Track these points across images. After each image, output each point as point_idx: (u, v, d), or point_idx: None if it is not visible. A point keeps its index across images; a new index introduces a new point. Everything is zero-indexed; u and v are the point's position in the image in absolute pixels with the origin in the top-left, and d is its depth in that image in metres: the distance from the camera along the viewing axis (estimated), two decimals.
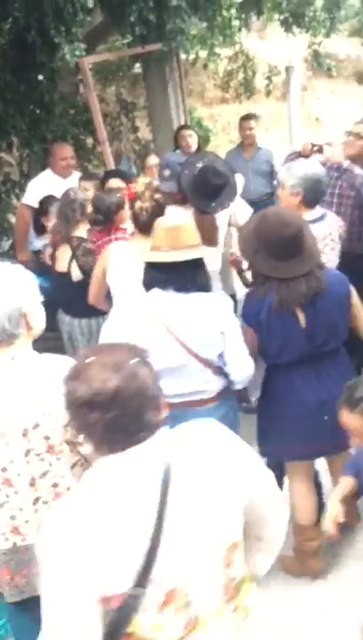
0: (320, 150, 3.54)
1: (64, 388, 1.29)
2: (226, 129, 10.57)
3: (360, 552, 2.89)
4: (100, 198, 3.70)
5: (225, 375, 2.49)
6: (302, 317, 2.47)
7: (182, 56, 6.72)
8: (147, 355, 1.37)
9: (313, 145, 3.59)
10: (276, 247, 2.42)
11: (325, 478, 2.97)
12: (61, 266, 3.76)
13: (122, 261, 3.12)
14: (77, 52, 4.70)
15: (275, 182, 4.89)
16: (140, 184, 3.30)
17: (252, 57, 8.96)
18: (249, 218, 2.68)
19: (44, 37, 4.65)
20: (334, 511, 2.10)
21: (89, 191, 4.24)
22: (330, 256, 3.04)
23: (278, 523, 1.52)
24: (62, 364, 1.66)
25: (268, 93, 8.80)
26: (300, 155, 3.70)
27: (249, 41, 9.73)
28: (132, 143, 8.01)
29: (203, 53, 7.77)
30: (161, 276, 2.39)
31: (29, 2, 4.38)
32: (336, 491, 2.17)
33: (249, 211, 3.74)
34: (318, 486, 2.89)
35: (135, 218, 3.21)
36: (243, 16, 7.13)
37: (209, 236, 3.27)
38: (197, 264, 2.41)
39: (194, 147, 5.33)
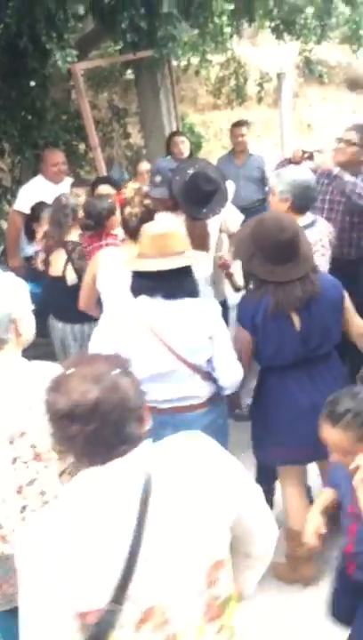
0: (311, 157, 3.55)
1: (45, 400, 1.27)
2: (218, 135, 10.60)
3: None
4: (92, 204, 3.71)
5: (214, 381, 2.50)
6: (296, 321, 2.49)
7: (174, 62, 6.74)
8: (129, 365, 1.34)
9: (304, 152, 3.60)
10: (273, 251, 2.44)
11: (316, 481, 2.98)
12: (56, 270, 3.75)
13: (112, 267, 3.12)
14: (69, 59, 4.71)
15: (266, 189, 4.91)
16: (129, 190, 3.31)
17: (243, 63, 9.00)
18: (243, 223, 2.69)
19: (35, 44, 4.66)
20: (315, 522, 2.08)
21: (81, 197, 4.25)
22: (321, 262, 3.05)
23: (266, 539, 1.49)
24: (50, 371, 1.65)
25: (259, 100, 8.84)
26: (290, 161, 3.71)
27: (241, 48, 9.78)
28: (123, 149, 8.02)
29: (195, 60, 7.81)
30: (148, 283, 2.40)
31: (21, 8, 4.38)
32: (317, 502, 2.15)
33: (240, 217, 3.75)
34: (307, 490, 2.90)
35: (125, 223, 3.22)
36: (234, 23, 7.16)
37: (200, 242, 3.28)
38: (185, 270, 2.41)
39: (186, 153, 5.35)
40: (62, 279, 3.70)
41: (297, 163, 3.50)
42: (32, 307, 1.95)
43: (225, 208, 3.46)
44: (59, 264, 3.73)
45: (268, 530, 1.49)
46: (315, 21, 7.50)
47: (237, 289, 3.73)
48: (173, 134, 5.68)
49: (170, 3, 5.00)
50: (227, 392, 2.57)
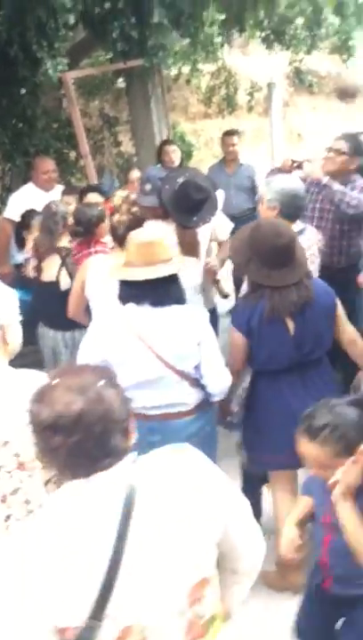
0: (300, 166, 3.58)
1: (29, 411, 1.25)
2: (209, 144, 10.64)
3: None
4: (82, 211, 3.71)
5: (202, 387, 2.50)
6: (291, 325, 2.52)
7: (165, 71, 6.78)
8: (115, 377, 1.32)
9: (293, 161, 3.62)
10: (269, 256, 2.47)
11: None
12: (49, 275, 3.74)
13: (100, 275, 3.13)
14: (60, 67, 4.73)
15: (256, 197, 4.93)
16: (117, 197, 3.32)
17: (234, 73, 9.07)
18: (233, 232, 2.71)
19: (26, 52, 4.67)
20: (290, 534, 2.04)
21: (71, 205, 4.24)
22: (310, 269, 3.06)
23: (253, 555, 1.46)
24: (37, 380, 1.64)
25: (250, 109, 8.90)
26: (280, 170, 3.73)
27: (231, 57, 9.84)
28: (114, 157, 8.04)
29: (186, 69, 7.85)
30: (135, 291, 2.40)
31: (12, 17, 4.39)
32: (292, 513, 2.11)
33: (230, 225, 3.77)
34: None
35: (113, 231, 3.23)
36: (225, 33, 7.22)
37: (190, 251, 3.29)
38: (171, 278, 2.42)
39: (176, 162, 5.36)
40: (55, 284, 3.69)
41: (287, 172, 3.52)
42: (21, 315, 1.94)
43: (215, 216, 3.47)
44: (52, 269, 3.73)
45: (255, 545, 1.46)
46: (305, 32, 7.58)
47: (224, 295, 3.74)
48: (164, 143, 5.69)
49: (160, 12, 5.03)
50: (215, 399, 2.57)
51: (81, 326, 3.50)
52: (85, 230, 3.65)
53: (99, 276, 3.16)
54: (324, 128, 10.38)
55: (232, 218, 3.98)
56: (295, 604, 2.72)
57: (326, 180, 3.50)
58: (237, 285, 4.80)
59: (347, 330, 2.72)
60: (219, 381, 2.49)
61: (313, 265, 3.16)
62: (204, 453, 2.51)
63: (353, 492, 1.75)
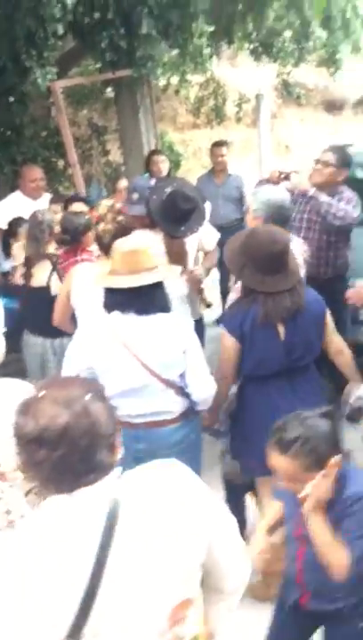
0: (287, 177, 3.60)
1: (14, 423, 1.23)
2: (197, 154, 10.70)
3: None
4: (69, 219, 3.71)
5: (187, 396, 2.50)
6: (282, 331, 2.54)
7: (154, 81, 6.80)
8: (103, 390, 1.30)
9: (281, 172, 3.64)
10: (264, 262, 2.49)
11: None
12: (39, 281, 3.72)
13: (86, 283, 3.13)
14: (49, 76, 4.73)
15: (244, 208, 4.95)
16: (103, 206, 3.33)
17: (223, 84, 9.12)
18: (233, 236, 2.76)
19: (15, 61, 4.68)
20: (260, 545, 1.98)
21: (58, 214, 4.24)
22: None
23: (239, 574, 1.43)
24: (18, 389, 1.61)
25: (238, 120, 8.95)
26: (268, 182, 3.75)
27: (220, 68, 9.92)
28: (102, 166, 8.04)
29: (175, 79, 7.89)
30: (120, 299, 2.41)
31: (0, 25, 4.40)
32: (262, 522, 2.07)
33: (216, 235, 3.78)
34: None
35: (98, 240, 3.24)
36: (214, 44, 7.27)
37: (178, 260, 3.29)
38: (156, 286, 2.43)
39: (165, 172, 5.38)
40: (45, 289, 3.66)
41: (275, 183, 3.54)
42: (6, 323, 1.92)
43: (202, 226, 3.47)
44: (42, 275, 3.71)
45: (241, 564, 1.43)
46: (293, 44, 7.65)
47: (207, 305, 3.74)
48: (153, 153, 5.71)
49: (149, 23, 5.06)
50: (200, 407, 2.57)
51: (70, 334, 3.49)
52: (72, 238, 3.65)
53: (84, 284, 3.16)
54: (311, 140, 10.48)
55: (220, 228, 3.99)
56: None
57: (312, 191, 3.53)
58: (224, 294, 4.83)
59: (334, 340, 2.74)
60: (204, 390, 2.49)
61: None
62: (188, 462, 2.50)
63: (324, 506, 1.73)
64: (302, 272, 3.20)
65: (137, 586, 1.19)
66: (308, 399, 2.53)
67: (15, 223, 4.42)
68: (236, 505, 2.86)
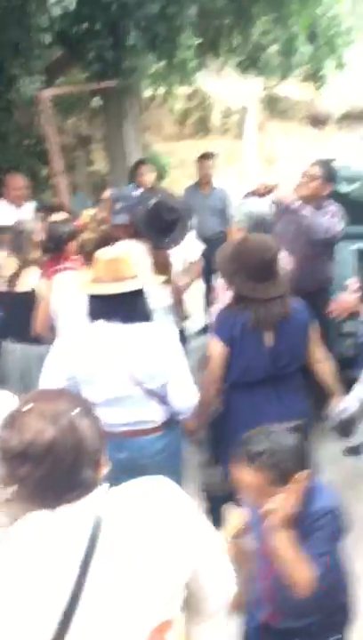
0: (272, 191, 3.61)
1: None
2: (182, 164, 10.73)
3: None
4: (54, 227, 3.70)
5: (169, 405, 2.50)
6: (269, 338, 2.57)
7: (140, 92, 6.83)
8: (90, 405, 1.27)
9: (266, 185, 3.66)
10: (256, 269, 2.54)
11: None
12: (24, 286, 3.69)
13: (67, 292, 3.11)
14: (36, 85, 4.72)
15: (228, 220, 4.97)
16: (85, 216, 3.32)
17: (209, 96, 9.18)
18: (224, 244, 2.79)
19: (1, 70, 4.66)
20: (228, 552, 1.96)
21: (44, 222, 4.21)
22: None
23: (221, 596, 1.38)
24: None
25: (224, 132, 9.01)
26: (254, 194, 3.76)
27: (206, 81, 10.00)
28: (87, 176, 8.03)
29: (161, 90, 7.92)
30: (105, 307, 2.41)
31: None
32: (225, 530, 1.99)
33: (200, 247, 3.79)
34: None
35: (81, 249, 3.23)
36: (200, 57, 7.32)
37: (163, 271, 3.28)
38: (139, 294, 2.45)
39: (150, 182, 5.37)
40: (30, 294, 3.62)
41: (261, 195, 3.56)
42: None
43: (187, 238, 3.48)
44: (29, 280, 3.68)
45: (225, 586, 1.39)
46: (278, 59, 7.73)
47: (184, 317, 3.74)
48: (139, 163, 5.71)
49: (136, 35, 5.08)
50: (182, 417, 2.57)
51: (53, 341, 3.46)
52: (55, 247, 3.62)
53: (65, 292, 3.14)
54: (296, 153, 10.57)
55: (205, 240, 4.00)
56: None
57: (296, 204, 3.54)
58: (209, 306, 4.82)
59: (317, 349, 2.78)
60: (186, 399, 2.49)
61: None
62: (169, 471, 2.49)
63: (289, 522, 1.70)
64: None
65: (117, 605, 1.16)
66: (293, 407, 2.61)
67: None
68: (215, 516, 2.83)
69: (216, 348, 2.60)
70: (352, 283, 2.94)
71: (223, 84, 11.35)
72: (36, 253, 3.74)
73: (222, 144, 10.44)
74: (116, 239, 3.36)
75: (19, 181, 4.95)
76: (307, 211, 3.53)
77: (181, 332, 3.62)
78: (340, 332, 3.76)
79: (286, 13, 6.44)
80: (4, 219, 4.48)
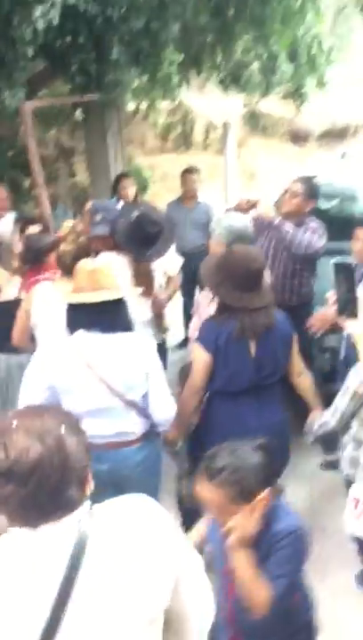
0: (254, 206, 3.65)
1: None
2: (164, 178, 10.79)
3: None
4: (34, 238, 3.68)
5: (149, 417, 2.50)
6: (253, 348, 2.60)
7: (123, 106, 6.86)
8: (78, 422, 1.25)
9: (248, 200, 3.69)
10: (242, 279, 2.57)
11: None
12: (5, 295, 3.65)
13: (46, 302, 3.11)
14: (18, 96, 4.71)
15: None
16: (64, 227, 3.32)
17: (191, 111, 9.25)
18: (209, 255, 2.82)
19: None
20: None
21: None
22: None
23: (203, 617, 1.37)
24: None
25: (205, 147, 9.07)
26: (236, 209, 3.79)
27: (189, 96, 10.08)
28: (69, 187, 8.02)
29: (144, 104, 7.97)
30: (86, 317, 2.42)
31: None
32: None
33: (179, 261, 3.81)
34: None
35: (59, 260, 3.23)
36: (183, 72, 7.37)
37: (144, 284, 3.28)
38: (119, 304, 2.47)
39: (132, 195, 5.39)
40: (11, 303, 3.58)
41: (243, 211, 3.59)
42: None
43: (168, 251, 3.48)
44: (10, 289, 3.65)
45: (206, 607, 1.37)
46: (260, 76, 7.83)
47: (163, 330, 3.74)
48: (121, 176, 5.72)
49: (119, 50, 5.10)
50: (161, 428, 2.58)
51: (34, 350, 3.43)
52: (35, 258, 3.60)
53: (44, 303, 3.13)
54: (276, 169, 10.69)
55: (185, 253, 4.02)
56: None
57: (277, 220, 3.58)
58: (188, 319, 4.82)
59: (297, 363, 2.82)
60: (166, 411, 2.51)
61: None
62: (147, 483, 2.49)
63: (249, 541, 1.67)
64: None
65: (98, 626, 1.14)
66: (274, 418, 2.66)
67: None
68: (189, 529, 2.81)
69: (201, 357, 2.61)
70: (330, 296, 2.97)
71: (206, 100, 11.46)
72: (16, 263, 3.73)
73: (204, 159, 10.51)
74: (96, 251, 3.36)
75: (0, 192, 4.93)
76: (288, 226, 3.57)
77: (161, 345, 3.61)
78: (321, 347, 3.79)
79: (267, 32, 6.52)
80: None
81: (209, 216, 5.46)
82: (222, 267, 2.62)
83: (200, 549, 1.89)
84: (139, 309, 3.10)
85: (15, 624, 1.10)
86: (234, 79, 7.84)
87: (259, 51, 7.16)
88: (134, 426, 2.49)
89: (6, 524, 1.18)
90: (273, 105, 11.11)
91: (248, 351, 2.60)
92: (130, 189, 5.38)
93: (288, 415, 2.82)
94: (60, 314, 2.53)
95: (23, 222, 4.63)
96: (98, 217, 3.48)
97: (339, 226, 3.86)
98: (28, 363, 2.59)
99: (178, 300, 5.05)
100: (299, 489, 3.52)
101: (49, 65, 5.76)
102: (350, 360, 2.93)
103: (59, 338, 2.54)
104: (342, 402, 2.54)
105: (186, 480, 2.80)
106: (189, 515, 2.90)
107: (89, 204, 5.23)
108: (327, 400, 2.72)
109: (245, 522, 1.67)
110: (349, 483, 2.57)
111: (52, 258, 3.60)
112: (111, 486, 2.26)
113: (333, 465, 3.33)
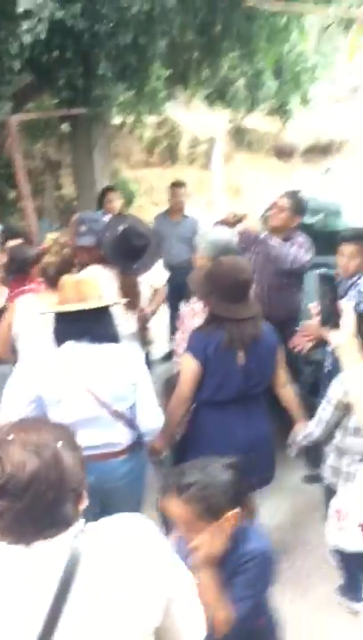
0: (241, 220, 3.67)
1: None
2: (150, 192, 10.83)
3: None
4: (19, 250, 3.67)
5: (135, 428, 2.49)
6: (241, 358, 2.61)
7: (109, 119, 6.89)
8: (75, 437, 1.24)
9: (235, 214, 3.72)
10: (230, 290, 2.59)
11: None
12: None
13: (29, 314, 3.09)
14: (5, 110, 4.72)
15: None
16: (48, 239, 3.32)
17: (177, 126, 9.32)
18: (197, 267, 2.84)
19: None
20: None
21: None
22: None
23: (193, 636, 1.34)
24: None
25: (191, 161, 9.13)
26: (223, 223, 3.81)
27: (175, 111, 10.17)
28: (55, 200, 8.03)
29: (130, 118, 8.01)
30: (72, 327, 2.42)
31: None
32: None
33: (165, 274, 3.81)
34: None
35: (43, 272, 3.22)
36: (170, 87, 7.45)
37: (130, 297, 3.28)
38: (105, 313, 2.49)
39: (118, 208, 5.40)
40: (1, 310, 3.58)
41: (230, 225, 3.61)
42: None
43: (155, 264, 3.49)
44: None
45: (197, 627, 1.35)
46: (245, 93, 7.93)
47: (148, 342, 3.74)
48: (106, 189, 5.73)
49: (106, 65, 5.14)
50: (147, 438, 2.57)
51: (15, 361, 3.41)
52: (19, 269, 3.59)
53: (27, 315, 3.11)
54: (261, 184, 10.78)
55: (170, 267, 4.02)
56: None
57: (263, 235, 3.61)
58: (173, 332, 4.82)
59: (281, 374, 2.84)
60: (153, 421, 2.50)
61: None
62: (132, 494, 2.47)
63: (214, 560, 1.65)
64: None
65: None
66: (261, 427, 2.69)
67: None
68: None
69: (190, 366, 2.62)
70: (313, 307, 2.98)
71: (192, 115, 11.57)
72: (1, 274, 3.72)
73: (190, 173, 10.58)
74: (81, 262, 3.35)
75: None
76: (274, 241, 3.59)
77: (146, 358, 3.61)
78: (307, 360, 3.80)
79: (253, 49, 6.62)
80: None
81: (195, 230, 5.48)
82: (211, 277, 2.65)
83: None
84: (125, 322, 3.10)
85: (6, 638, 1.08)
86: (220, 95, 7.94)
87: (244, 67, 7.26)
88: (121, 436, 2.48)
89: None
90: (258, 121, 11.24)
91: (236, 361, 2.62)
92: (116, 202, 5.39)
93: (273, 428, 2.83)
94: (43, 325, 2.53)
95: (5, 235, 4.63)
96: (84, 228, 3.48)
97: (323, 240, 3.89)
98: (10, 374, 2.59)
99: (164, 313, 5.06)
100: (282, 502, 3.52)
101: (35, 79, 5.79)
102: (335, 373, 2.94)
103: (45, 349, 2.52)
104: (326, 412, 2.57)
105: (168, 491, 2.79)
106: (172, 526, 2.89)
107: (75, 216, 5.26)
108: (311, 413, 2.74)
109: (210, 540, 1.64)
110: (329, 493, 2.58)
111: (37, 270, 3.60)
112: (95, 497, 2.24)
113: (316, 479, 3.33)
